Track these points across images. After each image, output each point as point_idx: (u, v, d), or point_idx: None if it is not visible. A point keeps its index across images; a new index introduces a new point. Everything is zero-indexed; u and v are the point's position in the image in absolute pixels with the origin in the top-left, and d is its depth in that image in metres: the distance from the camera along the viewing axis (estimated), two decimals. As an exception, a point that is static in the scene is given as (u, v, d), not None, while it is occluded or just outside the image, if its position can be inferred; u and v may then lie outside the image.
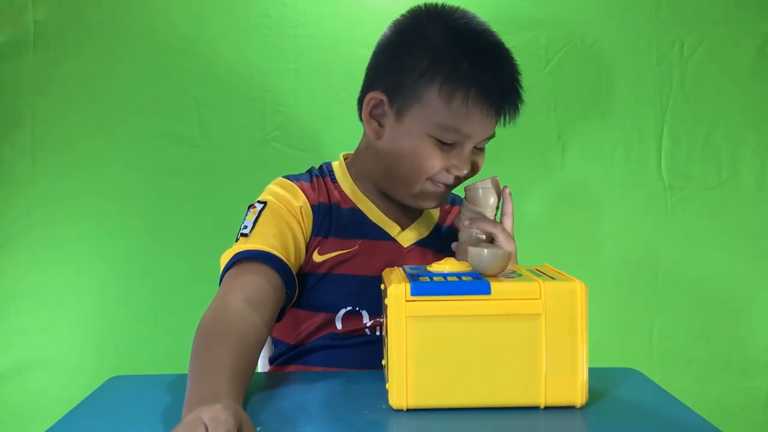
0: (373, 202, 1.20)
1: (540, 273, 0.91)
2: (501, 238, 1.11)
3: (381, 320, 1.13)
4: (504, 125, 1.14)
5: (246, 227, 1.10)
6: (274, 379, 1.04)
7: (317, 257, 1.14)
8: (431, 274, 0.91)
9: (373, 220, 1.19)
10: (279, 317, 1.11)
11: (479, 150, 1.17)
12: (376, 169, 1.19)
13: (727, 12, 1.75)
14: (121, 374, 1.06)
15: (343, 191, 1.20)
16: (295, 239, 1.11)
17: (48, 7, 1.68)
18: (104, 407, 0.92)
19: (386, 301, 0.86)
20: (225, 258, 1.08)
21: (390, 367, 0.85)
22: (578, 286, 0.85)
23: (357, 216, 1.18)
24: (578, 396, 0.85)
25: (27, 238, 1.69)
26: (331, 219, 1.16)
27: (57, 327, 1.70)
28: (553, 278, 0.88)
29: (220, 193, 1.70)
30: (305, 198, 1.16)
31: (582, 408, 0.86)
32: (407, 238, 1.20)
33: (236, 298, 1.00)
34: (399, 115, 1.12)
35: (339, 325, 1.14)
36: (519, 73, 1.14)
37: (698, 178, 1.77)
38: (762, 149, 1.77)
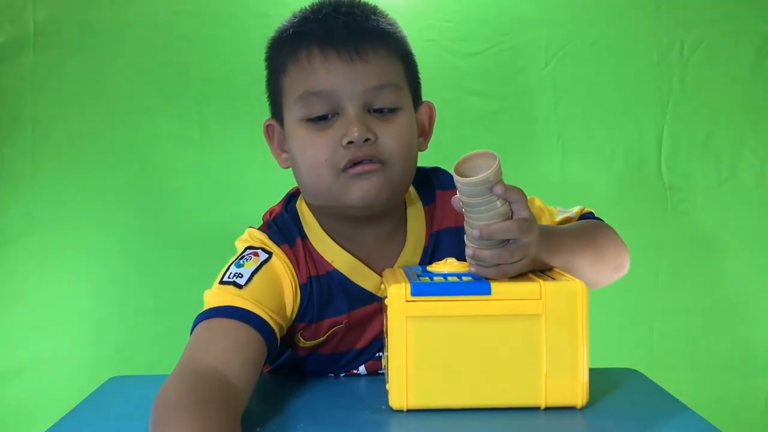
0: (344, 246, 1.01)
1: (540, 273, 0.91)
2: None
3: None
4: (363, 60, 0.95)
5: (241, 275, 0.93)
6: (274, 381, 1.04)
7: (302, 342, 1.01)
8: (431, 275, 0.91)
9: (355, 281, 1.00)
10: None
11: (377, 114, 0.96)
12: (312, 203, 1.02)
13: (727, 12, 1.75)
14: (121, 374, 1.06)
15: (315, 249, 1.00)
16: (287, 311, 0.97)
17: (48, 7, 1.68)
18: (104, 407, 0.93)
19: (386, 301, 0.85)
20: (210, 300, 0.92)
21: (390, 367, 0.85)
22: (578, 286, 0.85)
23: (337, 282, 1.00)
24: (579, 396, 0.85)
25: (27, 239, 1.69)
26: (314, 298, 0.99)
27: (57, 327, 1.70)
28: (554, 278, 0.88)
29: (220, 193, 1.70)
30: (294, 273, 0.98)
31: (582, 408, 0.86)
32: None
33: (212, 367, 0.83)
34: (282, 125, 1.01)
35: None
36: (364, 11, 0.99)
37: (698, 178, 1.77)
38: (762, 149, 1.77)
